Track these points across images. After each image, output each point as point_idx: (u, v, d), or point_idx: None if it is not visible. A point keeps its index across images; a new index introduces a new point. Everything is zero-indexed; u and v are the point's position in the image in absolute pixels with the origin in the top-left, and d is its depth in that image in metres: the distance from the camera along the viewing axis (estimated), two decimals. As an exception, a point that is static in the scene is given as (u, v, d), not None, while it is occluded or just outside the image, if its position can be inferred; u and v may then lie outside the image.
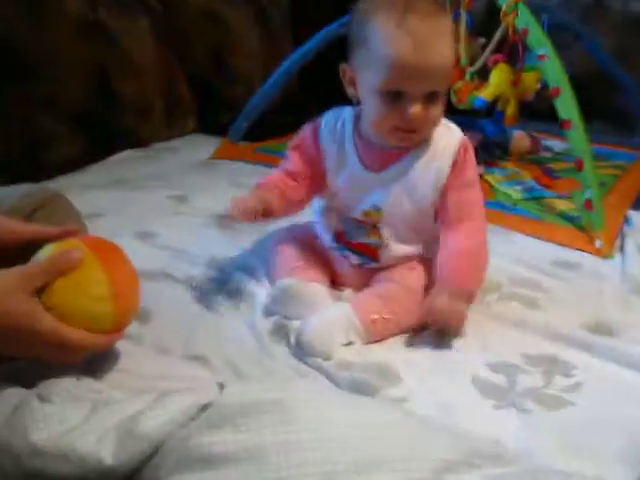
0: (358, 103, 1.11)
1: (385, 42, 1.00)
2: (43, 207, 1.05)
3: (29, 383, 0.84)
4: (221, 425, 0.68)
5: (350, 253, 1.19)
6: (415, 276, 1.14)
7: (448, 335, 1.07)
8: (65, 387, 0.82)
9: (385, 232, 1.14)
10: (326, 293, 1.14)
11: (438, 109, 1.05)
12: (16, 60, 1.76)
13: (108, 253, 0.90)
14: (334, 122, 1.16)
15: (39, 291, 0.81)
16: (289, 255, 1.20)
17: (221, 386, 0.75)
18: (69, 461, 0.71)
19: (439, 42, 1.00)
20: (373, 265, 1.17)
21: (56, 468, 0.71)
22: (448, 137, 1.11)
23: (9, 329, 0.79)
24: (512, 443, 0.84)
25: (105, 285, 0.85)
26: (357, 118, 1.14)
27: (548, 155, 2.14)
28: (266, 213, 1.10)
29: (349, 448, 0.67)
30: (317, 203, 1.22)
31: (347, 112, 1.16)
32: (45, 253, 0.86)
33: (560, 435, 0.86)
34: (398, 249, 1.15)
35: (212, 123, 2.37)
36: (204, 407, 0.73)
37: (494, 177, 1.87)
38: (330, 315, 1.06)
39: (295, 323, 1.07)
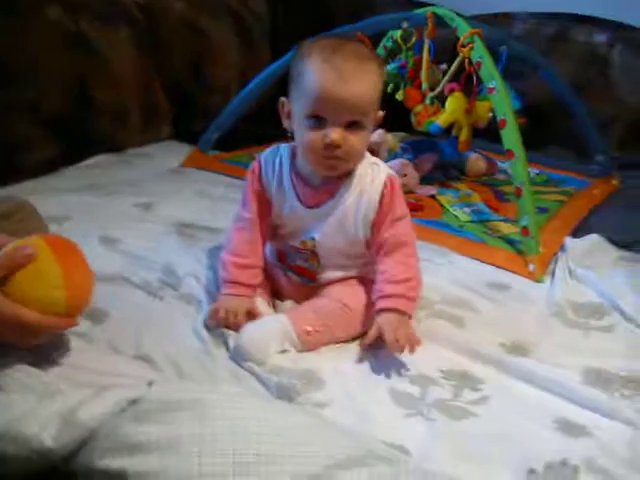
0: (293, 137, 1.20)
1: (312, 74, 1.11)
2: (13, 214, 1.13)
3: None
4: (147, 418, 0.79)
5: (291, 273, 1.30)
6: (350, 293, 1.24)
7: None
8: (18, 378, 0.92)
9: (322, 259, 1.25)
10: (265, 305, 1.25)
11: (359, 138, 1.13)
12: (-2, 67, 1.83)
13: (64, 247, 1.02)
14: (272, 160, 1.25)
15: None
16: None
17: (150, 384, 0.86)
18: (16, 443, 0.81)
19: (359, 79, 1.10)
20: (312, 284, 1.28)
21: (5, 449, 0.82)
22: (375, 173, 1.21)
23: None
24: (415, 448, 0.94)
25: (60, 277, 0.97)
26: (293, 155, 1.23)
27: (502, 177, 2.21)
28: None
29: (258, 443, 0.78)
30: None
31: (284, 150, 1.25)
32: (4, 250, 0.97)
33: (457, 443, 0.97)
34: (333, 274, 1.26)
35: (187, 130, 2.43)
36: (134, 401, 0.83)
37: (446, 198, 1.97)
38: (267, 325, 1.16)
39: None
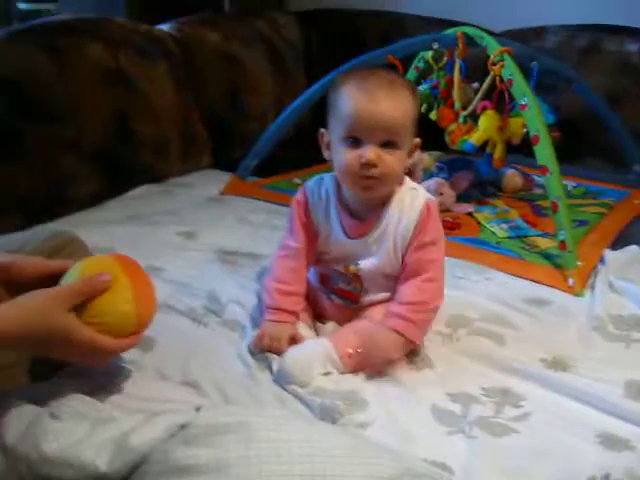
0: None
1: (346, 99, 1.17)
2: (63, 249, 1.18)
3: (43, 402, 0.98)
4: (196, 442, 0.83)
5: (334, 296, 1.32)
6: None
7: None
8: (73, 406, 0.97)
9: (365, 282, 1.28)
10: (307, 329, 1.28)
11: (394, 158, 1.17)
12: (42, 105, 1.89)
13: (130, 264, 1.07)
14: (318, 191, 1.29)
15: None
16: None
17: (198, 409, 0.90)
18: (72, 468, 0.85)
19: (390, 101, 1.15)
20: (354, 306, 1.30)
21: (61, 474, 0.86)
22: (413, 198, 1.23)
23: (50, 337, 0.94)
24: (457, 465, 0.96)
25: (130, 291, 1.02)
26: (338, 186, 1.27)
27: (540, 192, 2.20)
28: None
29: (301, 464, 0.81)
30: None
31: (328, 180, 1.28)
32: (78, 268, 1.02)
33: (499, 459, 0.98)
34: (376, 296, 1.29)
35: (226, 159, 2.47)
36: (183, 426, 0.87)
37: (483, 215, 1.98)
38: (309, 348, 1.19)
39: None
